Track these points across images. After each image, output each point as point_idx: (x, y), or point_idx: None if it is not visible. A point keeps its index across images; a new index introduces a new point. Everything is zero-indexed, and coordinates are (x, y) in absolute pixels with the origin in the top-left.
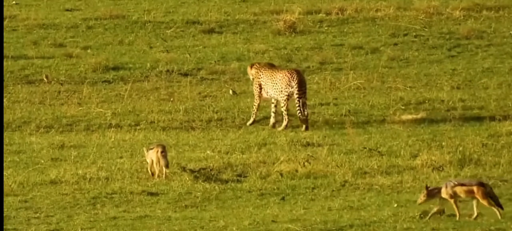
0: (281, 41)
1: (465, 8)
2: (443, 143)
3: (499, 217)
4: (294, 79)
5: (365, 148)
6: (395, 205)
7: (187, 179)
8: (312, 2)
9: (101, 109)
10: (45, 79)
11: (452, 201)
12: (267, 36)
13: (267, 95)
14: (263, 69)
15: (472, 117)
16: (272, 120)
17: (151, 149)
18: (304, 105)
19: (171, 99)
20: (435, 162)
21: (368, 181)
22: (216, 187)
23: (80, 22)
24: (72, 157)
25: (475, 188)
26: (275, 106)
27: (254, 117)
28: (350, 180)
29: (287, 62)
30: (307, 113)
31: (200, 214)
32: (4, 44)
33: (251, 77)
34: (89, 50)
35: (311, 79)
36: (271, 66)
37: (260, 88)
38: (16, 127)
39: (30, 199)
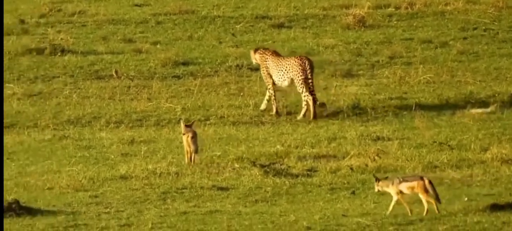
0: (351, 36)
1: None
2: None
3: (437, 211)
4: (306, 64)
5: (435, 141)
6: (466, 199)
7: (257, 173)
8: None
9: (171, 105)
10: (114, 74)
11: (398, 197)
12: (336, 30)
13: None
14: (269, 54)
15: None
16: (274, 106)
17: (184, 134)
18: (312, 92)
19: (241, 94)
20: (505, 155)
21: (438, 174)
22: (286, 182)
23: (149, 17)
24: (142, 152)
25: (415, 183)
26: (274, 94)
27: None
28: (421, 174)
29: (357, 57)
30: (317, 100)
31: (270, 208)
32: (74, 40)
33: (253, 61)
34: (158, 46)
35: (381, 74)
36: (277, 53)
37: (268, 73)
38: (86, 122)
39: (100, 194)
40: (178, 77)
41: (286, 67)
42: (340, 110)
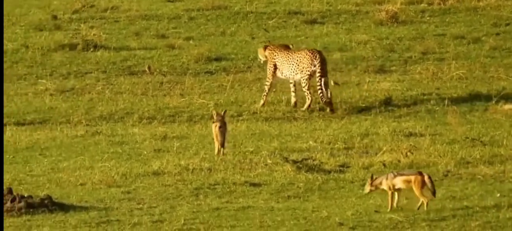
0: (383, 32)
1: None
2: None
3: (425, 208)
4: (316, 58)
5: (467, 137)
6: (498, 195)
7: (290, 169)
8: None
9: (204, 100)
10: (147, 70)
11: (390, 192)
12: (369, 26)
13: (282, 76)
14: (278, 50)
15: None
16: (293, 99)
17: (213, 122)
18: (326, 85)
19: (274, 90)
20: None
21: (471, 170)
22: (319, 178)
23: (182, 13)
24: (175, 148)
25: (412, 177)
26: (294, 86)
27: (265, 98)
28: (453, 170)
29: (389, 53)
30: (330, 95)
31: (303, 204)
32: (107, 35)
33: (262, 58)
34: (191, 41)
35: (414, 70)
36: (286, 47)
37: (275, 69)
38: (119, 118)
39: (132, 190)
40: (211, 73)
41: (297, 59)
42: (372, 106)
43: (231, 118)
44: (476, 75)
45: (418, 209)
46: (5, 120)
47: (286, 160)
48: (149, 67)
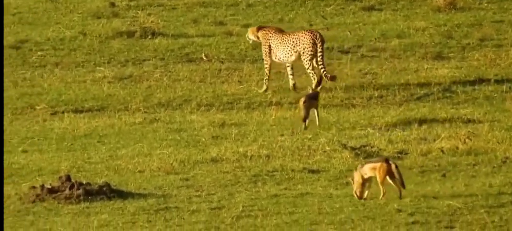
0: (441, 18)
1: None
2: None
3: (400, 197)
4: (317, 38)
5: None
6: None
7: (348, 156)
8: None
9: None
10: (204, 58)
11: (360, 182)
12: (427, 13)
13: (276, 59)
14: (272, 32)
15: None
16: (291, 82)
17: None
18: (323, 66)
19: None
20: None
21: None
22: None
23: (240, 0)
24: (233, 135)
25: (378, 165)
26: (291, 68)
27: (267, 82)
28: (511, 157)
29: (447, 39)
30: (327, 75)
31: None
32: (164, 23)
33: (252, 38)
34: (249, 28)
35: (472, 56)
36: (280, 30)
37: (270, 50)
38: (177, 106)
39: (191, 177)
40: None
41: (293, 41)
42: (430, 93)
43: (289, 104)
44: None
45: (382, 198)
46: (63, 107)
47: (344, 146)
48: (206, 55)
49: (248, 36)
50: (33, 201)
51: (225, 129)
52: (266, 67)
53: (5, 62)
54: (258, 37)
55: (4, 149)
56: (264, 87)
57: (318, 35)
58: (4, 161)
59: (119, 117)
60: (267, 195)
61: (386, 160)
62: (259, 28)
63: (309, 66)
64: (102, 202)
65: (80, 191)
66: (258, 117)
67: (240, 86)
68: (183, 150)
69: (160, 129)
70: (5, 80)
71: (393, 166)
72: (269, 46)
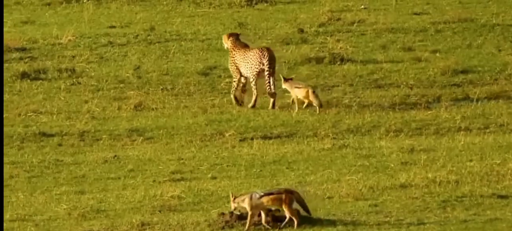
0: None
1: None
2: None
3: (295, 226)
4: (265, 56)
5: None
6: None
7: None
8: None
9: (450, 114)
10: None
11: (252, 212)
12: None
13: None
14: (238, 48)
15: None
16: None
17: (298, 87)
18: (273, 83)
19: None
20: None
21: None
22: None
23: (428, 25)
24: (422, 161)
25: (283, 196)
26: (238, 84)
27: (233, 93)
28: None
29: None
30: (275, 91)
31: None
32: (353, 49)
33: (225, 45)
34: (437, 54)
35: None
36: (244, 45)
37: (236, 66)
38: (366, 131)
39: (380, 203)
40: (458, 85)
41: (250, 57)
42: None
43: (478, 130)
44: None
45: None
46: (252, 134)
47: None
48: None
49: (224, 44)
50: (222, 228)
51: (414, 154)
52: (234, 81)
53: (194, 88)
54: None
55: (193, 175)
56: (234, 102)
57: (266, 53)
58: (193, 188)
59: (308, 143)
60: (456, 221)
61: (289, 191)
62: (229, 35)
63: (253, 81)
64: (291, 229)
65: (269, 217)
66: (447, 142)
67: (429, 112)
68: (372, 176)
69: (349, 155)
70: (194, 106)
71: (295, 195)
72: (235, 61)
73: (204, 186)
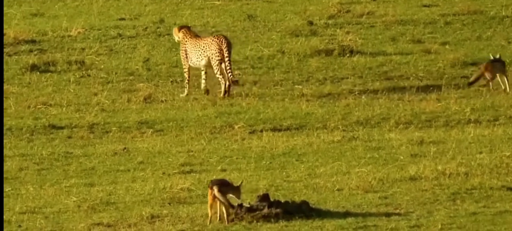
0: None
1: None
2: None
3: (226, 223)
4: (223, 43)
5: None
6: None
7: None
8: None
9: (459, 106)
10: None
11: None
12: None
13: (191, 63)
14: (189, 36)
15: None
16: (203, 85)
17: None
18: (229, 70)
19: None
20: None
21: None
22: None
23: (438, 17)
24: (431, 153)
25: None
26: (205, 73)
27: (187, 86)
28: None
29: None
30: (237, 79)
31: None
32: (363, 41)
33: (176, 38)
34: (447, 46)
35: None
36: (196, 35)
37: (186, 55)
38: (375, 123)
39: (390, 195)
40: (467, 77)
41: (203, 46)
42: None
43: (488, 122)
44: None
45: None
46: (262, 126)
47: None
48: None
49: (174, 37)
50: (232, 220)
51: (424, 146)
52: (185, 72)
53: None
54: (179, 37)
55: (203, 168)
56: (186, 92)
57: (224, 40)
58: (203, 180)
59: (318, 135)
60: (466, 213)
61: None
62: (180, 28)
63: (217, 71)
64: (300, 220)
65: (279, 209)
66: (457, 135)
67: (438, 104)
68: (382, 168)
69: (359, 147)
70: (205, 100)
71: (215, 191)
72: (185, 50)
73: (214, 178)
